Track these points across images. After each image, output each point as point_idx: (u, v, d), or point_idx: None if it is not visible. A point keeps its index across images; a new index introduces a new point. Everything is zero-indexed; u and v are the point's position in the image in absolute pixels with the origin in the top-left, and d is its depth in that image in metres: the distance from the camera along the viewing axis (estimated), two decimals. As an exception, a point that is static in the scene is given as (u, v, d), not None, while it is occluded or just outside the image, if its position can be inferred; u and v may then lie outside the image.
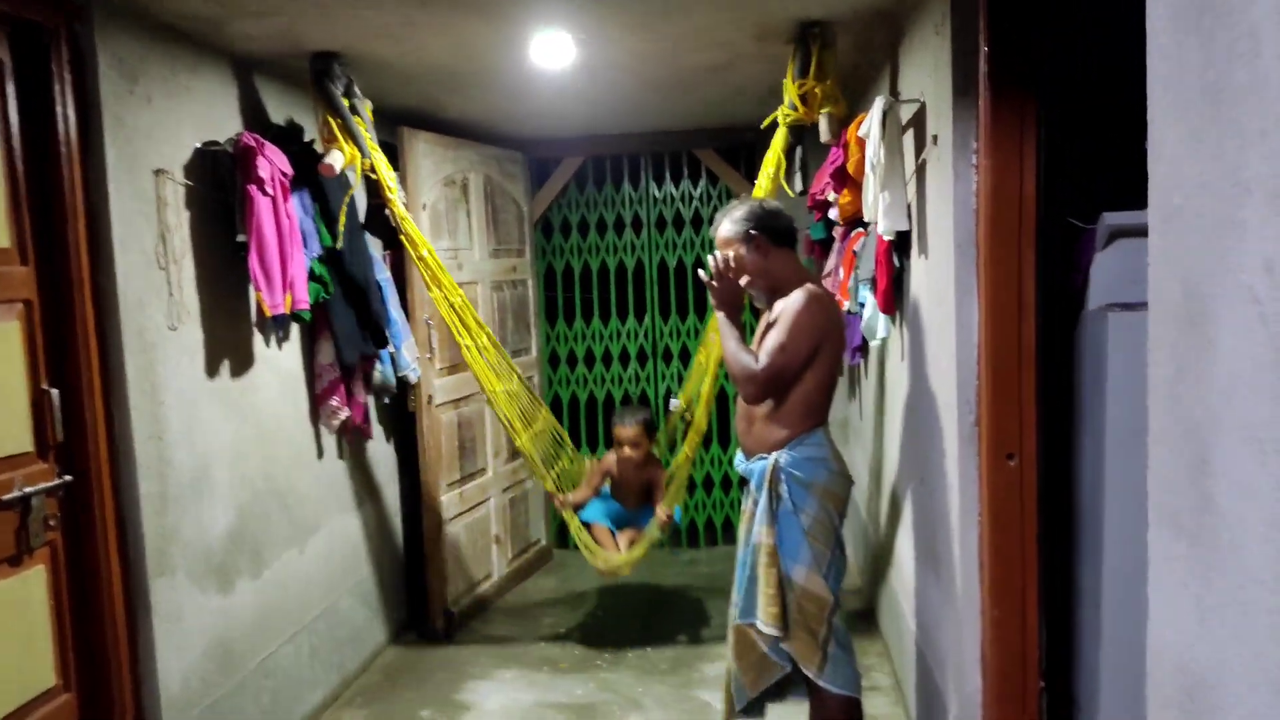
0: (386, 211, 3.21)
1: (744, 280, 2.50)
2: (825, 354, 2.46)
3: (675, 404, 5.16)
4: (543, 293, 5.10)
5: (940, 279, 2.31)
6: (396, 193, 3.19)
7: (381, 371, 3.60)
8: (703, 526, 5.25)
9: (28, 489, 2.16)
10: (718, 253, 2.55)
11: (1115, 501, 2.19)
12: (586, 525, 3.78)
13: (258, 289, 2.75)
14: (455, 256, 4.13)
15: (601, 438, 5.23)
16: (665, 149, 4.99)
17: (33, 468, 2.20)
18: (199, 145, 2.70)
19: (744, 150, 4.93)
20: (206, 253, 2.72)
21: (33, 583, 2.19)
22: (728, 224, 2.57)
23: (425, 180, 3.93)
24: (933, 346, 2.45)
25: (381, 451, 3.95)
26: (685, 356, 5.14)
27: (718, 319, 2.55)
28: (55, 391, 2.25)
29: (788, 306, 2.44)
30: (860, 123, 2.79)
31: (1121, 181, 2.18)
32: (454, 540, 4.08)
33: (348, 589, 3.57)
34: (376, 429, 3.84)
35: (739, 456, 2.66)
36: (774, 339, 2.42)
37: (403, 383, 3.73)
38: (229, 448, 2.82)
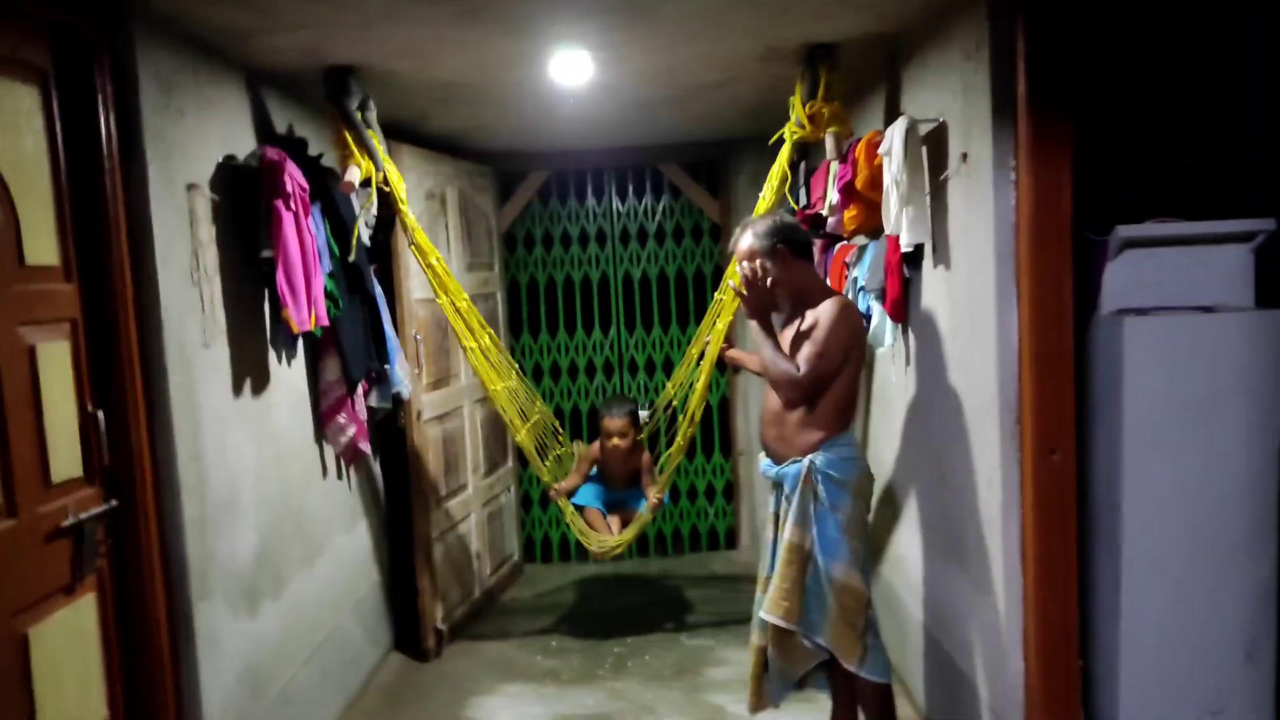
0: (393, 232, 3.23)
1: (768, 288, 2.60)
2: (854, 359, 2.60)
3: (644, 415, 5.25)
4: (508, 305, 5.10)
5: (974, 286, 2.47)
6: (407, 204, 3.21)
7: (379, 388, 3.55)
8: (671, 535, 5.33)
9: (81, 515, 2.07)
10: (744, 264, 2.65)
11: (1133, 493, 2.38)
12: (579, 509, 3.95)
13: (284, 305, 2.70)
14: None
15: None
16: (629, 163, 5.08)
17: (82, 493, 2.12)
18: (221, 160, 2.64)
19: (706, 166, 5.06)
20: (231, 269, 2.66)
21: (84, 612, 2.11)
22: (751, 237, 2.67)
23: (411, 194, 3.89)
24: (961, 351, 2.61)
25: (372, 471, 3.89)
26: (651, 368, 5.23)
27: (751, 329, 2.65)
28: (101, 414, 2.17)
29: (822, 315, 2.57)
30: (869, 140, 2.94)
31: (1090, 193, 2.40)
32: (440, 557, 4.05)
33: (348, 609, 3.50)
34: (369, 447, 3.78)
35: (766, 462, 2.76)
36: (812, 346, 2.54)
37: (394, 400, 3.69)
38: (253, 468, 2.75)
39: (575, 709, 3.40)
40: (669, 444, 3.87)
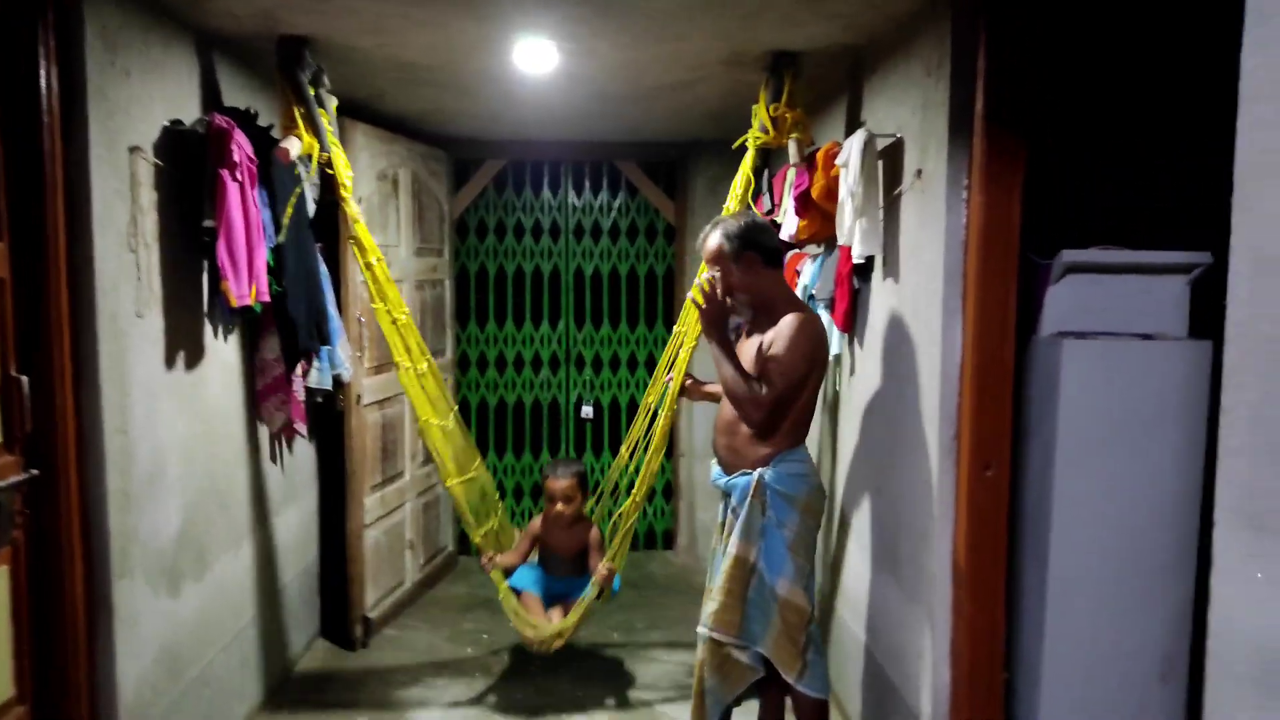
0: (340, 210, 3.10)
1: (732, 298, 2.60)
2: (815, 375, 2.59)
3: (586, 411, 5.24)
4: (456, 293, 5.04)
5: (920, 301, 2.50)
6: (351, 192, 3.06)
7: (319, 369, 3.48)
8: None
9: (10, 480, 1.98)
10: (701, 277, 2.64)
11: (1063, 509, 2.43)
12: (515, 593, 3.38)
13: (224, 277, 2.63)
14: (385, 254, 4.01)
15: (510, 442, 5.21)
16: (587, 158, 5.05)
17: (1, 460, 2.03)
18: (167, 124, 2.55)
19: (665, 166, 5.06)
20: (170, 237, 2.57)
21: (4, 582, 2.02)
22: (719, 238, 2.61)
23: (362, 173, 3.83)
24: (904, 364, 2.64)
25: (306, 453, 3.81)
26: (598, 364, 5.21)
27: (711, 345, 2.59)
28: (25, 379, 2.08)
29: (783, 331, 2.53)
30: (827, 150, 2.97)
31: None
32: (372, 545, 3.98)
33: (275, 593, 3.42)
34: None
35: (715, 471, 2.75)
36: (775, 365, 2.50)
37: (334, 382, 3.62)
38: (181, 444, 2.66)
39: (504, 702, 3.37)
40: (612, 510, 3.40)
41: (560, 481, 3.43)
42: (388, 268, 3.11)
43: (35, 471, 2.11)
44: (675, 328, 3.26)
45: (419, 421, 3.12)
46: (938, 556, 2.39)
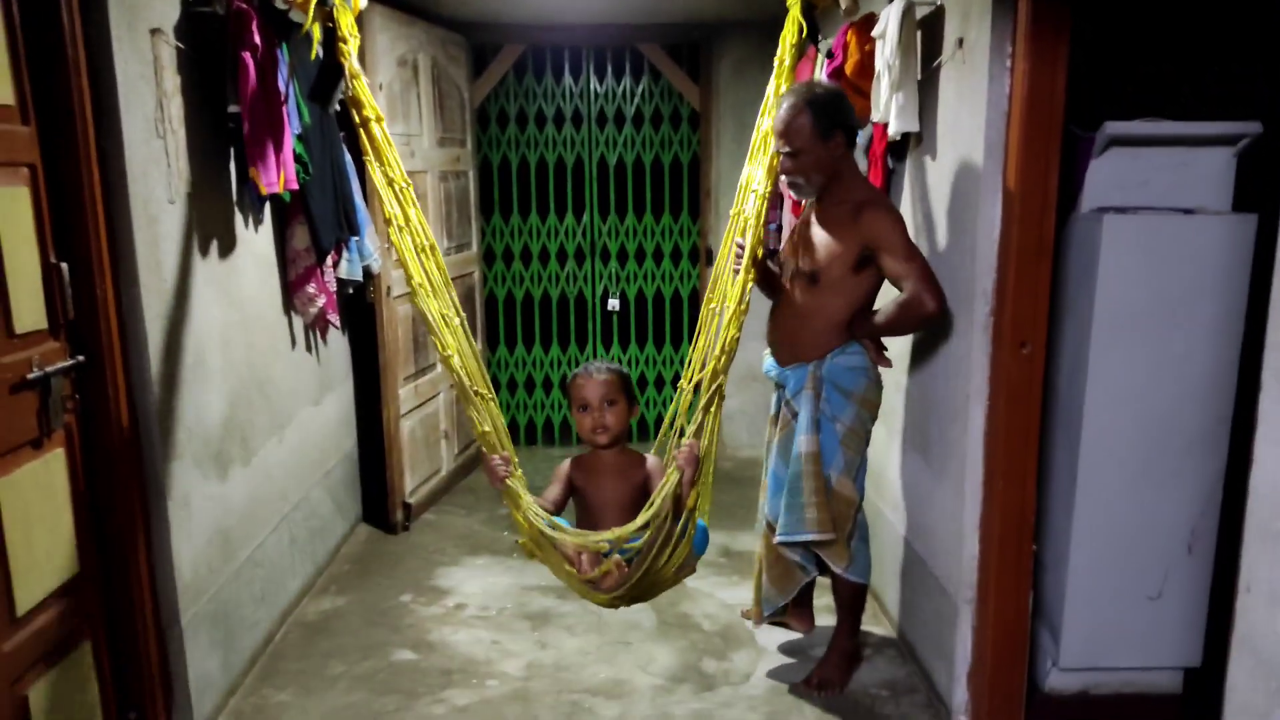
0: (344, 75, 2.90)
1: (804, 178, 2.49)
2: (875, 266, 2.51)
3: (613, 304, 5.23)
4: (479, 185, 4.99)
5: (958, 177, 2.45)
6: (353, 46, 2.52)
7: (349, 260, 3.48)
8: (635, 425, 5.39)
9: (47, 369, 2.03)
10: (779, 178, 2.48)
11: (1096, 385, 2.44)
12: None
13: (251, 164, 2.61)
14: (408, 143, 3.98)
15: (538, 335, 5.24)
16: (609, 42, 4.91)
17: (47, 346, 2.06)
18: (186, 5, 2.49)
19: (688, 49, 4.91)
20: (196, 123, 2.55)
21: (53, 466, 2.08)
22: (810, 114, 2.40)
23: (381, 58, 3.75)
24: (940, 243, 2.61)
25: (341, 344, 3.85)
26: (624, 256, 5.18)
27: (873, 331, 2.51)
28: (65, 265, 2.10)
29: (888, 226, 2.43)
30: (862, 22, 2.86)
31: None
32: (408, 434, 4.06)
33: (317, 480, 3.52)
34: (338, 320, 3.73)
35: (769, 361, 2.75)
36: (899, 260, 2.41)
37: (365, 273, 3.63)
38: (219, 333, 2.70)
39: (540, 580, 3.48)
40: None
41: (594, 379, 2.35)
42: (391, 136, 2.56)
43: (81, 358, 2.15)
44: (733, 208, 2.62)
45: (438, 350, 2.35)
46: (970, 434, 2.41)
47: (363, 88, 2.62)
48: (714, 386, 2.31)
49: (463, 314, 2.43)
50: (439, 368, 4.37)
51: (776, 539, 2.67)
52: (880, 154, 2.91)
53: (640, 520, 2.18)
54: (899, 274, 2.43)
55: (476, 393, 2.33)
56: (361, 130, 2.48)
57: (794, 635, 3.07)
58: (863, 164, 3.06)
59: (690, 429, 2.30)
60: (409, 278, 2.34)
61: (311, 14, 2.73)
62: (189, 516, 2.48)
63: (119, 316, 2.23)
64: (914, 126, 2.66)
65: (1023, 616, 2.46)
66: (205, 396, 2.61)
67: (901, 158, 2.90)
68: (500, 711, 2.69)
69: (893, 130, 2.67)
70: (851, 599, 2.75)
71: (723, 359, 2.31)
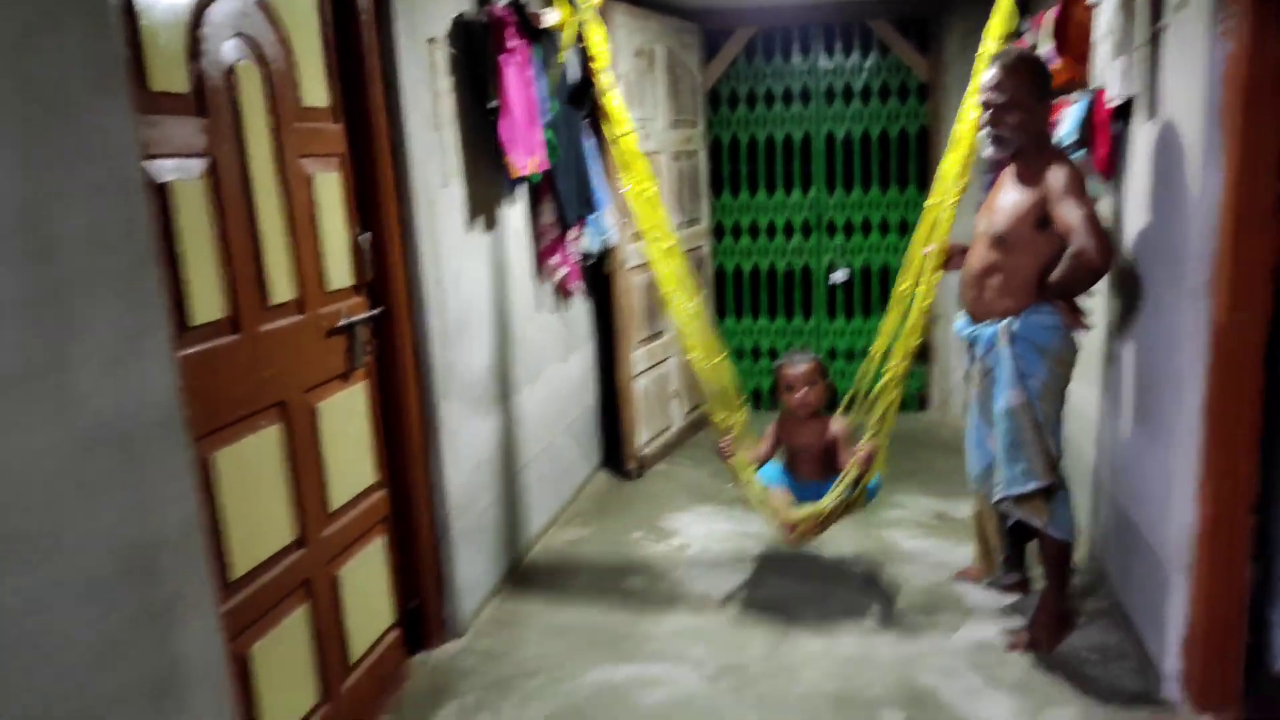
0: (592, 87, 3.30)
1: (1008, 132, 2.56)
2: None
3: (838, 276, 5.36)
4: (710, 163, 5.28)
5: (1179, 141, 2.42)
6: (604, 65, 3.01)
7: (589, 235, 3.90)
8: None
9: (352, 318, 2.54)
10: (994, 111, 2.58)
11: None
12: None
13: (507, 153, 3.05)
14: (643, 127, 4.34)
15: (764, 306, 5.47)
16: (837, 19, 5.03)
17: (353, 300, 2.59)
18: (455, 17, 2.96)
19: (917, 23, 4.93)
20: (463, 117, 3.02)
21: (357, 396, 2.61)
22: (1032, 72, 2.54)
23: (620, 51, 4.13)
24: (1162, 208, 2.57)
25: (583, 309, 4.31)
26: (850, 229, 5.29)
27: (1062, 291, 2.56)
28: (368, 235, 2.62)
29: (1064, 178, 2.48)
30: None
31: None
32: (641, 393, 4.45)
33: (561, 428, 3.99)
34: (580, 288, 4.18)
35: (961, 320, 2.85)
36: (1067, 210, 2.44)
37: (602, 246, 4.03)
38: (483, 295, 3.18)
39: (759, 529, 3.75)
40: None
41: (798, 367, 3.14)
42: (637, 140, 3.05)
43: (379, 309, 2.66)
44: (929, 199, 2.94)
45: (663, 293, 3.04)
46: (1185, 400, 2.38)
47: (610, 103, 2.98)
48: (891, 397, 2.92)
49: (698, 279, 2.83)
50: (670, 333, 4.74)
51: (997, 496, 2.75)
52: (1105, 118, 2.87)
53: (825, 503, 2.99)
54: (1067, 225, 2.44)
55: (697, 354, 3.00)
56: (613, 146, 3.02)
57: (1006, 599, 3.13)
58: (1073, 134, 3.03)
59: (868, 436, 2.95)
60: (661, 283, 3.02)
61: (565, 35, 3.13)
62: (457, 447, 2.97)
63: (406, 278, 2.73)
64: (1135, 91, 2.63)
65: (1239, 587, 2.41)
66: (471, 348, 3.09)
67: (1124, 121, 2.85)
68: (715, 633, 3.00)
69: (1115, 95, 2.66)
70: (1056, 556, 2.78)
71: (902, 365, 2.89)
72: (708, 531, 3.78)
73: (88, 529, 1.42)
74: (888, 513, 3.88)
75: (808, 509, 3.00)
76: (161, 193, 1.81)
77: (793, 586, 3.30)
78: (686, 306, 3.00)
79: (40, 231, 1.36)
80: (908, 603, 3.16)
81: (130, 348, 1.53)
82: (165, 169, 1.83)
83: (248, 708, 2.06)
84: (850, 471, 2.94)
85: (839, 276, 5.32)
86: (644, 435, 4.48)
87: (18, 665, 1.31)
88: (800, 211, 5.33)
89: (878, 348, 2.96)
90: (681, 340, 3.13)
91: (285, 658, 2.22)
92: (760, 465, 3.21)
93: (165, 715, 1.58)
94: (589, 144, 3.90)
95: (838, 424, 3.17)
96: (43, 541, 1.35)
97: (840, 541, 3.58)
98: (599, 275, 4.31)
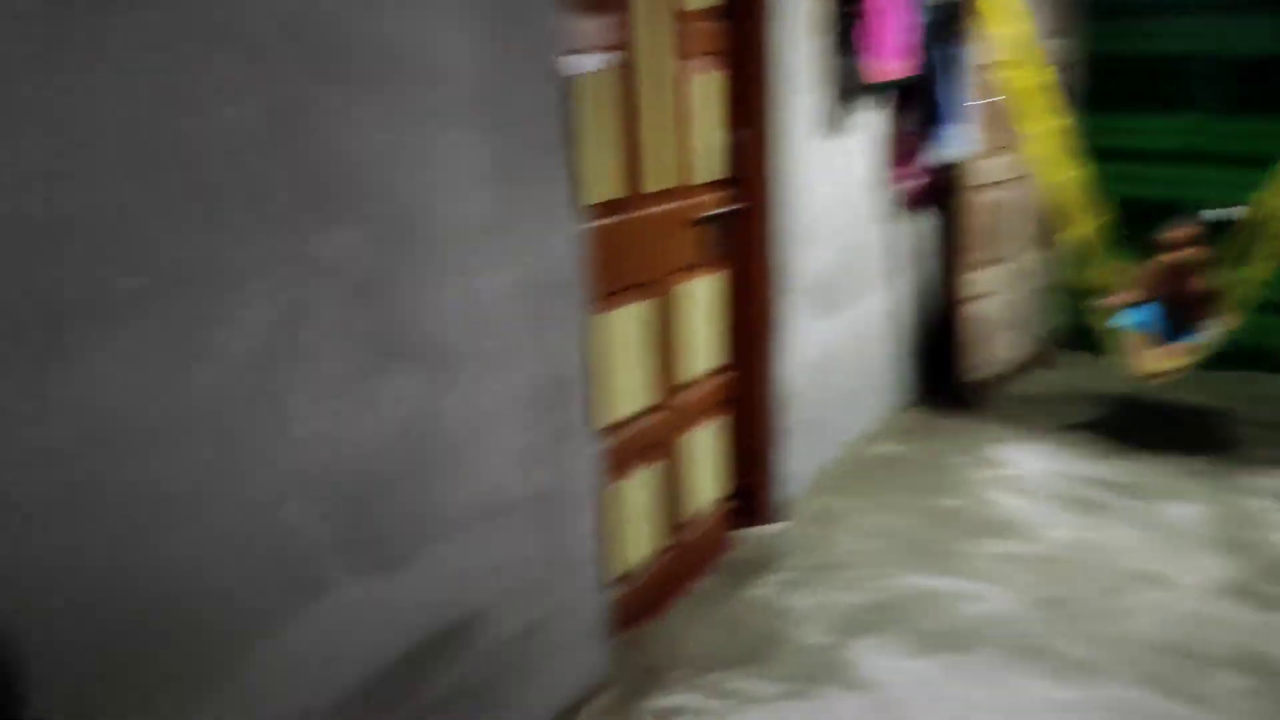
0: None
1: None
2: None
3: (1219, 213, 4.75)
4: (1088, 79, 4.84)
5: None
6: None
7: (944, 145, 3.80)
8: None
9: (716, 211, 2.73)
10: None
11: None
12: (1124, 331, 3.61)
13: (869, 56, 3.05)
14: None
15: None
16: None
17: (718, 194, 2.77)
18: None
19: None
20: (823, 19, 3.04)
21: (711, 284, 2.82)
22: None
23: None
24: None
25: (922, 225, 4.23)
26: (1251, 161, 4.64)
27: None
28: (747, 132, 2.77)
29: None
30: None
31: None
32: (971, 319, 4.30)
33: (891, 342, 4.01)
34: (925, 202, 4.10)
35: None
36: None
37: (959, 158, 3.91)
38: (831, 201, 3.25)
39: (1094, 473, 3.55)
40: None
41: (1181, 231, 3.54)
42: (1031, 34, 3.26)
43: (739, 205, 2.83)
44: None
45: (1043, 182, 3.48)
46: None
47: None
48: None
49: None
50: (1009, 262, 4.50)
51: None
52: None
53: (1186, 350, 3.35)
54: None
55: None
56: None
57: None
58: None
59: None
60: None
61: None
62: (796, 343, 3.12)
63: (765, 178, 2.86)
64: None
65: None
66: (815, 251, 3.19)
67: None
68: (1035, 567, 2.93)
69: None
70: None
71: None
72: (1038, 468, 3.64)
73: (529, 355, 1.74)
74: (1244, 481, 3.49)
75: (1168, 360, 3.39)
76: (571, 83, 2.06)
77: (1129, 536, 3.12)
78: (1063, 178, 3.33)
79: (503, 109, 1.63)
80: (1264, 570, 2.88)
81: (552, 215, 1.81)
82: (578, 62, 2.07)
83: (610, 533, 2.38)
84: (1212, 340, 3.30)
85: (1218, 214, 4.71)
86: (975, 361, 4.35)
87: (472, 458, 1.64)
88: (1185, 137, 4.77)
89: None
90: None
91: (640, 500, 2.54)
92: (1129, 309, 3.56)
93: (555, 520, 1.90)
94: (957, 55, 3.76)
95: (1209, 282, 3.47)
96: (503, 359, 1.67)
97: (1193, 499, 3.32)
98: (945, 191, 4.19)
